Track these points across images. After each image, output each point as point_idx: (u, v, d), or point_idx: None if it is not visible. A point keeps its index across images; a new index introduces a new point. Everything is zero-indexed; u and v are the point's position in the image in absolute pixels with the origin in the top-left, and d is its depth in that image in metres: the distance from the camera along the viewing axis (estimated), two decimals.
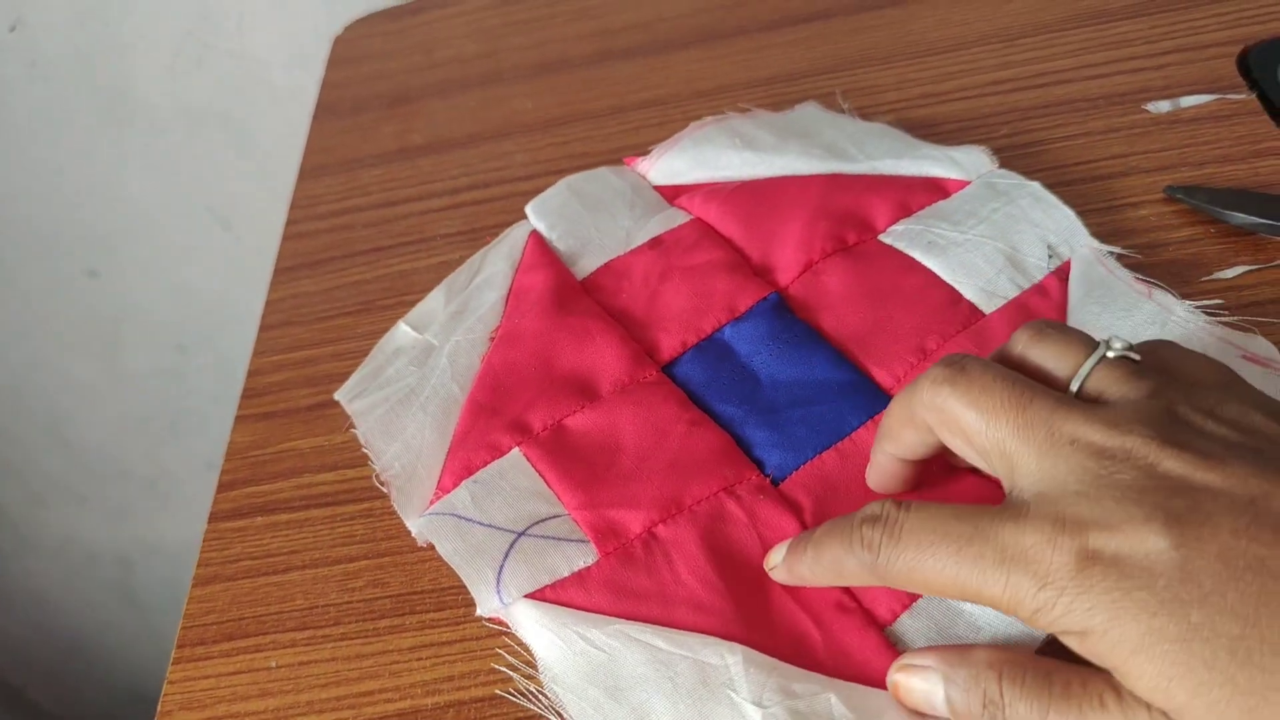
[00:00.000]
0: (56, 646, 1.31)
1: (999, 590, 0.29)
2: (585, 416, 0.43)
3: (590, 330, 0.45)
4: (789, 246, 0.47)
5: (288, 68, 0.81)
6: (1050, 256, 0.44)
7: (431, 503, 0.42)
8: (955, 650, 0.32)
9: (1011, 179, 0.47)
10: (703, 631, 0.36)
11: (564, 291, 0.47)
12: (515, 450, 0.42)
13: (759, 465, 0.41)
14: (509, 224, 0.53)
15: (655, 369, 0.44)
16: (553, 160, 0.57)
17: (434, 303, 0.49)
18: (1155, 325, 0.40)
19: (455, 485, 0.42)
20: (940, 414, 0.32)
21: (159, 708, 0.40)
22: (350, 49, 0.70)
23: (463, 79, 0.65)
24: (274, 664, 0.39)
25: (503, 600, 0.37)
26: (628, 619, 0.37)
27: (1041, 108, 0.52)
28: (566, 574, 0.38)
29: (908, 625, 0.35)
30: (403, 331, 0.49)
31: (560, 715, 0.35)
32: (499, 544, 0.39)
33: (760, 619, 0.36)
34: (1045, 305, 0.42)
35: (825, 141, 0.51)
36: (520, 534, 0.39)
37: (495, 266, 0.50)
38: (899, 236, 0.46)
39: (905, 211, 0.47)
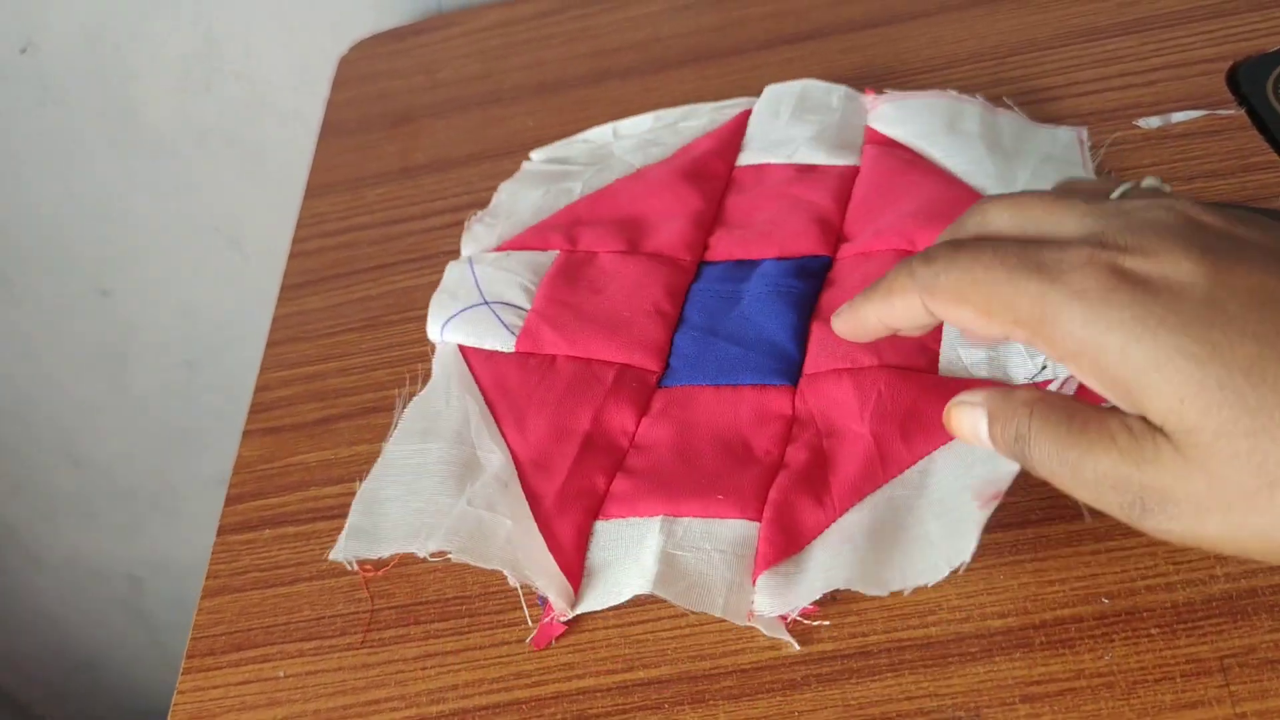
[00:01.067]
0: (65, 663, 1.31)
1: (1029, 301, 0.30)
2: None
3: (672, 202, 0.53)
4: (872, 227, 0.48)
5: (294, 89, 0.82)
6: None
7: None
8: (1001, 390, 0.33)
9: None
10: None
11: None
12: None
13: (664, 369, 0.46)
14: None
15: (695, 259, 0.50)
16: None
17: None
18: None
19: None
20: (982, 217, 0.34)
21: (169, 718, 0.40)
22: (354, 70, 0.71)
23: (464, 98, 0.66)
24: (282, 674, 0.40)
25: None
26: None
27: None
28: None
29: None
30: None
31: None
32: None
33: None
34: None
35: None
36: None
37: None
38: None
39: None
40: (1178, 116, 0.51)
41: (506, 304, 0.49)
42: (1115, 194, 0.34)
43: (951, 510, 0.37)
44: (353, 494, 0.45)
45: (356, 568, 0.43)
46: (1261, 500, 0.27)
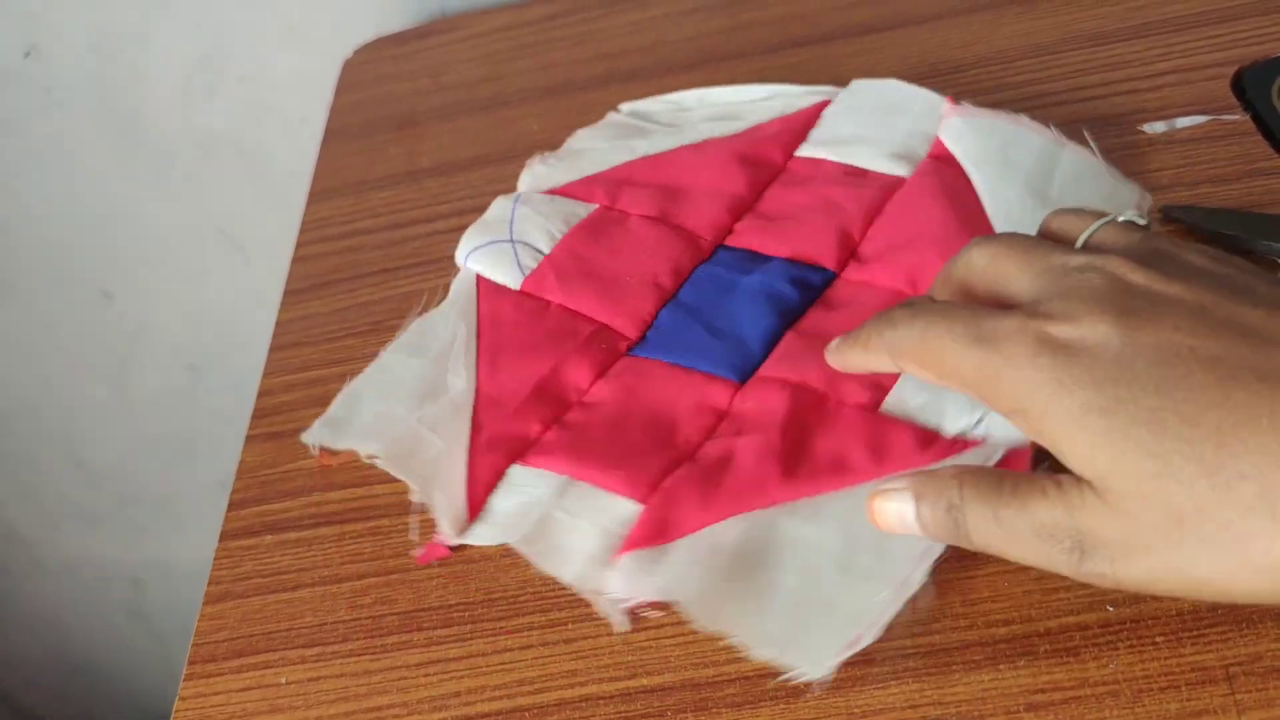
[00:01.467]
0: (68, 667, 1.31)
1: (972, 365, 0.33)
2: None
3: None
4: (885, 251, 0.48)
5: (298, 92, 0.82)
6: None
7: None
8: (923, 472, 0.36)
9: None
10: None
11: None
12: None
13: (639, 339, 0.47)
14: None
15: (714, 241, 0.51)
16: None
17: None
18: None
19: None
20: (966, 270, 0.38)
21: None
22: (359, 73, 0.71)
23: (469, 102, 0.66)
24: (284, 680, 0.40)
25: None
26: None
27: None
28: None
29: None
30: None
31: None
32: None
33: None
34: None
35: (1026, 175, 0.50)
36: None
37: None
38: None
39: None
40: (1183, 122, 0.51)
41: (528, 245, 0.51)
42: (1090, 230, 0.37)
43: (848, 588, 0.37)
44: (355, 498, 0.46)
45: (318, 454, 0.47)
46: (1173, 538, 0.29)
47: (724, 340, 0.45)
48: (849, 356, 0.40)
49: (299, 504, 0.46)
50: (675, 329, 0.47)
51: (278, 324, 0.55)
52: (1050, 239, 0.38)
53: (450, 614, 0.41)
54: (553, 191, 0.54)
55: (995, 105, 0.54)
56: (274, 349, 0.54)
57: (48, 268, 0.94)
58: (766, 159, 0.53)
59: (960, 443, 0.39)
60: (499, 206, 0.54)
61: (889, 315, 0.37)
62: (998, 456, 0.38)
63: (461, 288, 0.52)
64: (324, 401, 0.50)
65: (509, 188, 0.58)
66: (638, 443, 0.43)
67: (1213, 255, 0.34)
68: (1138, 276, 0.33)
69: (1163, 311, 0.31)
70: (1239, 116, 0.50)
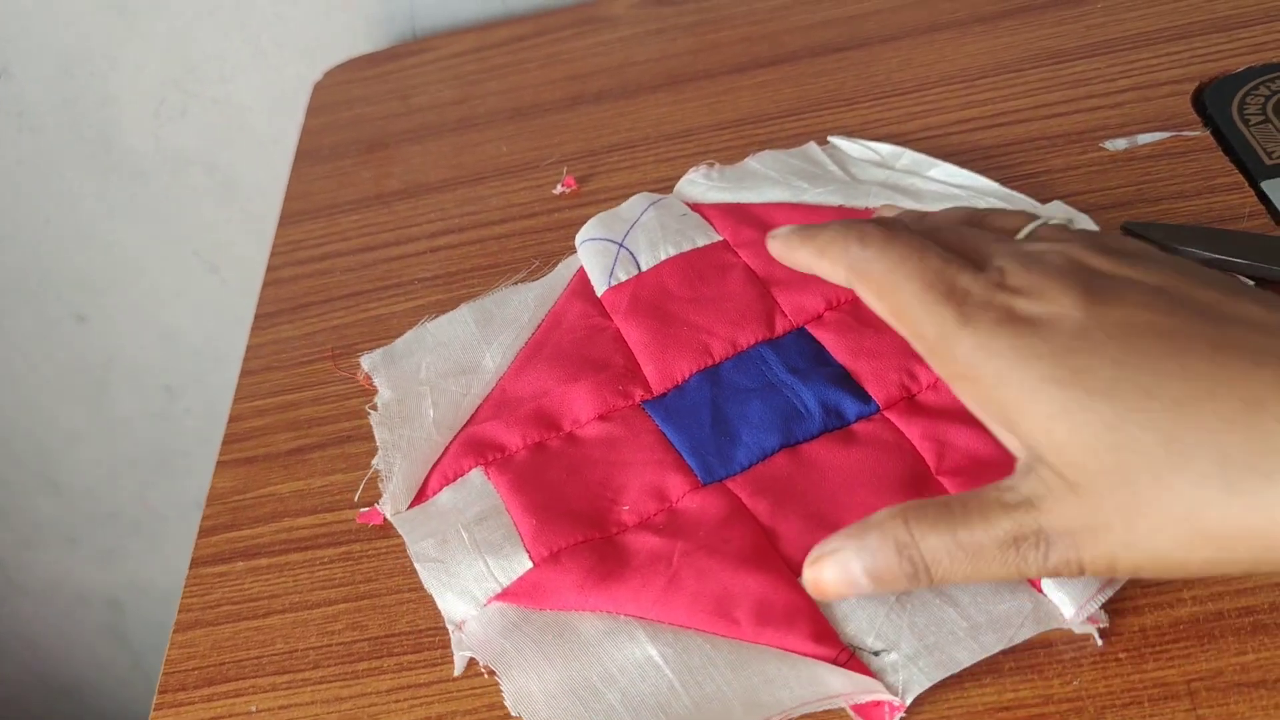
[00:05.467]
0: (47, 689, 1.31)
1: (932, 323, 0.33)
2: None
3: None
4: (942, 419, 0.43)
5: (270, 114, 0.82)
6: None
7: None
8: (855, 525, 0.34)
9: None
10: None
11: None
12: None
13: (662, 394, 0.46)
14: (486, 267, 0.54)
15: (786, 328, 0.47)
16: (527, 204, 0.58)
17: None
18: None
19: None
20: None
21: None
22: (329, 95, 0.71)
23: (439, 124, 0.66)
24: (254, 708, 0.40)
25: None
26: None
27: (1002, 146, 0.53)
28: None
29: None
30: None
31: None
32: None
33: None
34: None
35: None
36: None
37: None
38: None
39: None
40: (1144, 138, 0.51)
41: (631, 256, 0.50)
42: (1025, 230, 0.37)
43: None
44: (325, 524, 0.46)
45: (360, 376, 0.51)
46: (1131, 511, 0.30)
47: (720, 439, 0.43)
48: (797, 253, 0.38)
49: (270, 530, 0.46)
50: (690, 403, 0.45)
51: (249, 348, 0.55)
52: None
53: (421, 639, 0.41)
54: (700, 208, 0.53)
55: (961, 122, 0.55)
56: (245, 373, 0.54)
57: (21, 291, 0.93)
58: None
59: (851, 657, 0.36)
60: (635, 204, 0.53)
61: (860, 229, 0.36)
62: (869, 697, 0.35)
63: (561, 272, 0.52)
64: (295, 426, 0.50)
65: (480, 209, 0.58)
66: (577, 500, 0.42)
67: (1160, 249, 0.36)
68: (1098, 261, 0.33)
69: (1123, 290, 0.32)
70: (1200, 133, 0.51)
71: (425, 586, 0.42)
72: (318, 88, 0.72)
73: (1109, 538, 0.30)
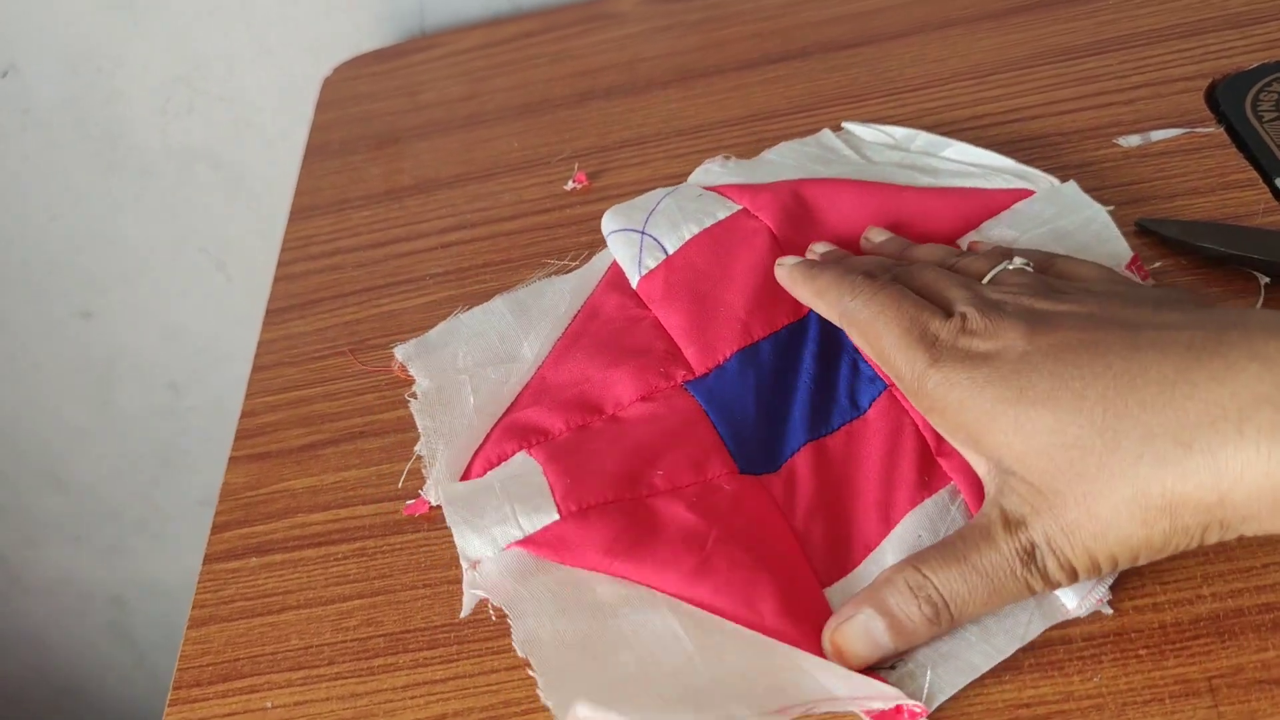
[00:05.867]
0: (51, 686, 1.31)
1: (907, 366, 0.38)
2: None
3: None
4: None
5: (276, 111, 0.82)
6: None
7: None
8: (866, 588, 0.36)
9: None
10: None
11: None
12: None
13: (705, 374, 0.45)
14: (497, 264, 0.54)
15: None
16: (539, 200, 0.58)
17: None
18: None
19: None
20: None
21: None
22: (338, 91, 0.71)
23: (448, 120, 0.66)
24: (270, 704, 0.40)
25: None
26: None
27: (1016, 142, 0.53)
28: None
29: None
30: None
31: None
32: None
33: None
34: None
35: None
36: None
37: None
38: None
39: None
40: (1157, 135, 0.51)
41: (656, 241, 0.50)
42: (989, 275, 0.41)
43: (673, 696, 0.35)
44: (339, 520, 0.45)
45: (395, 367, 0.51)
46: (1090, 503, 0.33)
47: (761, 431, 0.43)
48: (800, 287, 0.44)
49: (283, 526, 0.46)
50: (733, 388, 0.44)
51: (260, 344, 0.55)
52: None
53: (436, 635, 0.41)
54: (719, 189, 0.52)
55: (975, 119, 0.55)
56: (256, 369, 0.54)
57: (26, 287, 0.93)
58: (922, 231, 0.49)
59: (868, 671, 0.36)
60: (652, 195, 0.52)
61: (853, 283, 0.41)
62: (892, 703, 0.35)
63: (596, 265, 0.52)
64: (307, 421, 0.50)
65: (491, 205, 0.58)
66: (612, 461, 0.42)
67: (1099, 280, 0.41)
68: (1043, 303, 0.37)
69: (1059, 320, 0.36)
70: (1213, 129, 0.51)
71: (448, 523, 0.42)
72: (326, 83, 0.72)
73: (1081, 533, 0.33)
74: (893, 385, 0.43)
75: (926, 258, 0.44)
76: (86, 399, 1.02)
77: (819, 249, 0.47)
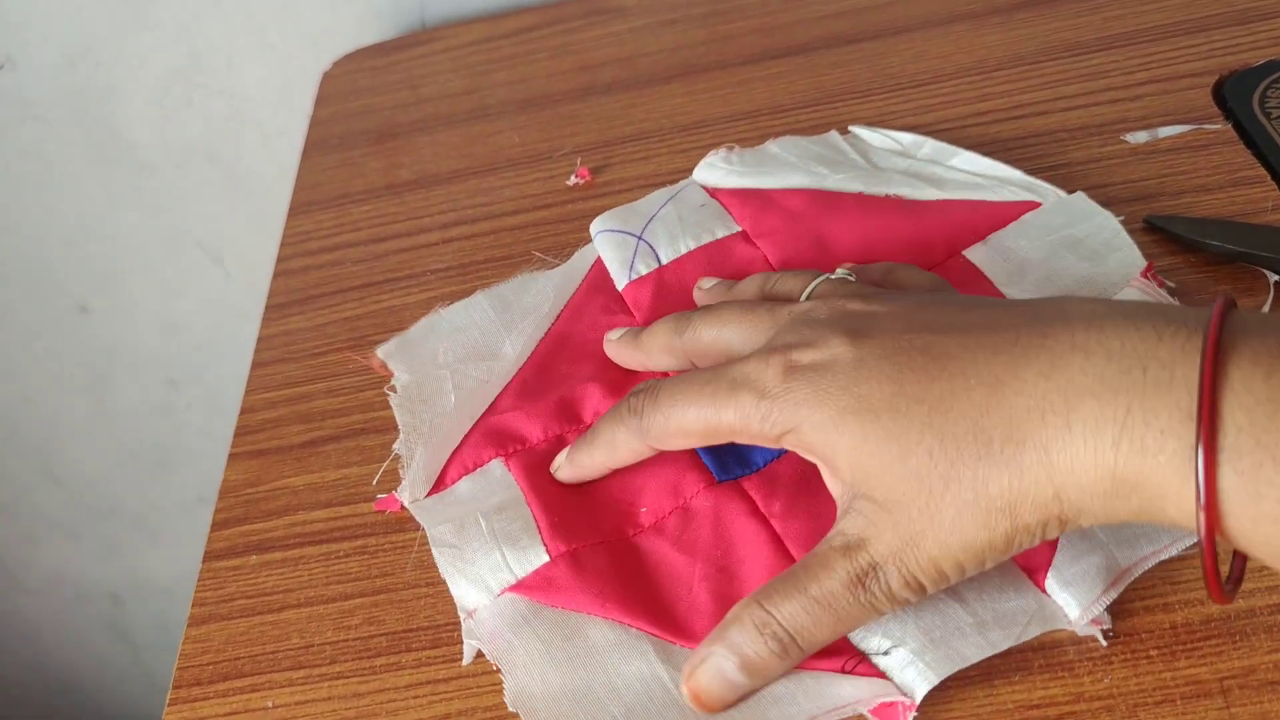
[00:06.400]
0: (48, 684, 1.30)
1: (732, 412, 0.36)
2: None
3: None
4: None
5: (276, 105, 0.81)
6: None
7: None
8: (718, 627, 0.35)
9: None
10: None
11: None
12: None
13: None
14: (499, 259, 0.54)
15: None
16: (540, 195, 0.57)
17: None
18: None
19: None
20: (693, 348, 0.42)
21: None
22: (338, 85, 0.71)
23: (449, 114, 0.65)
24: (271, 704, 0.40)
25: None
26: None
27: (1021, 139, 0.53)
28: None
29: None
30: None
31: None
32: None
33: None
34: None
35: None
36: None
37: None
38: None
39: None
40: (1165, 131, 0.51)
41: (651, 249, 0.50)
42: (806, 290, 0.41)
43: None
44: (340, 517, 0.45)
45: (375, 364, 0.50)
46: (935, 512, 0.32)
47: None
48: (588, 463, 0.42)
49: (283, 523, 0.46)
50: None
51: (259, 339, 0.54)
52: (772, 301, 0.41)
53: (439, 634, 0.40)
54: (716, 193, 0.52)
55: (979, 115, 0.54)
56: (256, 365, 0.53)
57: (24, 281, 0.93)
58: (926, 242, 0.48)
59: (860, 661, 0.36)
60: (654, 198, 0.53)
61: (629, 404, 0.40)
62: (880, 700, 0.35)
63: (578, 263, 0.52)
64: (307, 418, 0.50)
65: (492, 200, 0.58)
66: (596, 498, 0.42)
67: (929, 286, 0.41)
68: (855, 305, 0.37)
69: (881, 323, 0.35)
70: (1221, 126, 0.51)
71: (440, 572, 0.42)
72: (326, 77, 0.71)
73: (925, 544, 0.33)
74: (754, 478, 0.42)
75: (742, 293, 0.44)
76: (84, 394, 1.02)
77: (705, 284, 0.47)
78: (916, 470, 0.32)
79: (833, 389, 0.34)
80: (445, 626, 0.40)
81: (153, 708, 0.40)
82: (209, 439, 1.04)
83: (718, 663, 0.35)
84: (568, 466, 0.43)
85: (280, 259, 0.59)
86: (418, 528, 0.43)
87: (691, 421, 0.38)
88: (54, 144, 0.84)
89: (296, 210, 0.62)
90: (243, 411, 0.51)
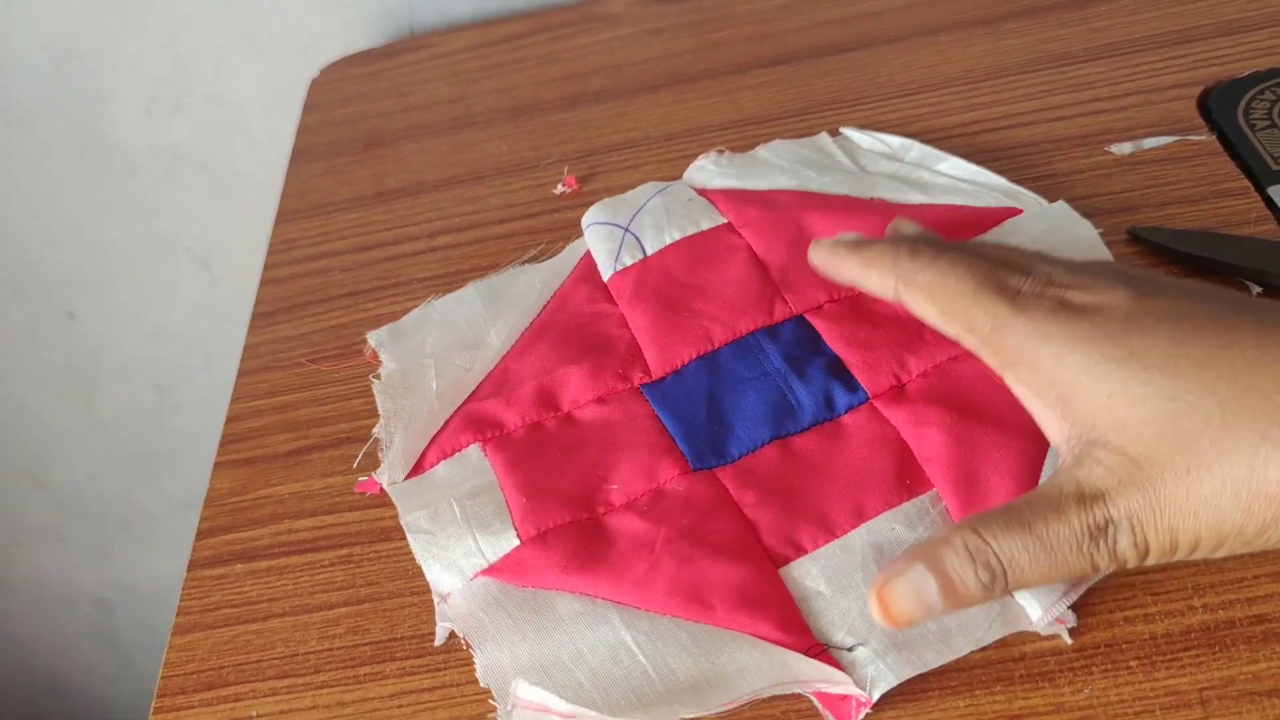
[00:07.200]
0: (34, 688, 1.30)
1: (985, 315, 0.35)
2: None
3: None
4: (931, 410, 0.42)
5: (264, 112, 0.81)
6: None
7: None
8: (921, 545, 0.33)
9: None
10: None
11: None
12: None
13: (660, 379, 0.46)
14: (485, 268, 0.54)
15: (791, 311, 0.47)
16: (526, 204, 0.57)
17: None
18: None
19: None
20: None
21: None
22: (325, 92, 0.71)
23: (436, 122, 0.65)
24: (255, 713, 0.40)
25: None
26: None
27: (1007, 149, 0.53)
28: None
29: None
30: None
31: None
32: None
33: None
34: None
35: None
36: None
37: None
38: None
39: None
40: (1150, 142, 0.51)
41: (637, 240, 0.51)
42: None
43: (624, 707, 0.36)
44: (326, 526, 0.45)
45: (368, 353, 0.51)
46: (1194, 479, 0.30)
47: (714, 429, 0.44)
48: (843, 265, 0.41)
49: (269, 532, 0.46)
50: (687, 389, 0.45)
51: (246, 347, 0.54)
52: None
53: (423, 644, 0.40)
54: (707, 194, 0.53)
55: (965, 125, 0.55)
56: (242, 373, 0.53)
57: (11, 287, 0.92)
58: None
59: (822, 652, 0.36)
60: (642, 191, 0.53)
61: (911, 245, 0.38)
62: (837, 689, 0.35)
63: (568, 256, 0.53)
64: (294, 427, 0.50)
65: (479, 209, 0.58)
66: (568, 480, 0.43)
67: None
68: (1134, 270, 0.35)
69: (1164, 287, 0.34)
70: (1206, 137, 0.51)
71: (415, 558, 0.42)
72: (314, 84, 0.71)
73: (1171, 509, 0.31)
74: (945, 363, 0.43)
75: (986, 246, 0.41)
76: (71, 400, 1.02)
77: (848, 237, 0.43)
78: (1188, 434, 0.30)
79: (1098, 335, 0.32)
80: (429, 636, 0.40)
81: (139, 712, 0.40)
82: (196, 444, 1.03)
83: (917, 580, 0.32)
84: (825, 251, 0.42)
85: (267, 267, 0.59)
86: (403, 537, 0.43)
87: (948, 293, 0.36)
88: (40, 149, 0.84)
89: (284, 218, 0.62)
90: (228, 420, 0.51)
